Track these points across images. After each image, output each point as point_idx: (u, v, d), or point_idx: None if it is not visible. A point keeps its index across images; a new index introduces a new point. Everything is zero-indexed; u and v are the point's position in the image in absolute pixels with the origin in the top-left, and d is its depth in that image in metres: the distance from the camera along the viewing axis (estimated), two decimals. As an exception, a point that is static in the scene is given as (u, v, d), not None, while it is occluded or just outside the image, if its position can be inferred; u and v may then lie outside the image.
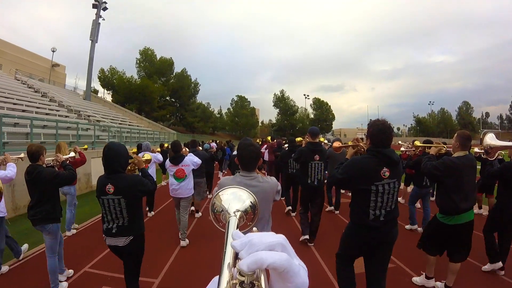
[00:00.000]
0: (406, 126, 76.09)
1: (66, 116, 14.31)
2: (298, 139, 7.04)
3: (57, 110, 14.78)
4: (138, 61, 45.90)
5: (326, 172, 4.87)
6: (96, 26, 25.17)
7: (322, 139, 4.60)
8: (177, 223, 4.53)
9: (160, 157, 5.75)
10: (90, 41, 25.32)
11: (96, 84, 42.41)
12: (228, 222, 0.51)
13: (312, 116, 61.99)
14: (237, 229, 0.47)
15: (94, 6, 25.01)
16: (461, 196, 2.69)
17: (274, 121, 64.01)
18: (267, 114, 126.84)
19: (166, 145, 8.76)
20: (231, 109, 59.15)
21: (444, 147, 3.42)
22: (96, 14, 25.10)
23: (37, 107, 13.29)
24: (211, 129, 55.51)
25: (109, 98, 39.69)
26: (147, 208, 5.98)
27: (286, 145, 7.48)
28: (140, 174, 2.71)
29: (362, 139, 3.14)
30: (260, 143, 11.81)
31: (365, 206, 2.21)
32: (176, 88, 47.40)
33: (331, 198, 6.29)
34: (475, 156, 4.45)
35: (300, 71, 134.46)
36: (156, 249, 4.02)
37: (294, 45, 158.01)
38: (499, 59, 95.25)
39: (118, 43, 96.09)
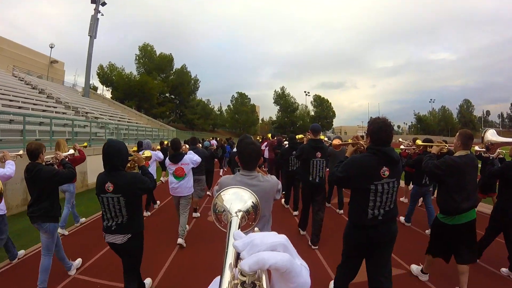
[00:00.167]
0: (406, 124, 76.00)
1: (63, 113, 14.18)
2: (300, 136, 6.99)
3: (54, 107, 14.63)
4: (137, 57, 45.67)
5: (327, 169, 4.82)
6: (94, 21, 24.94)
7: (322, 137, 4.55)
8: (178, 221, 4.45)
9: (160, 155, 5.69)
10: (89, 36, 25.13)
11: (95, 81, 42.31)
12: (230, 222, 0.51)
13: (312, 113, 61.75)
14: (239, 229, 0.47)
15: (92, 1, 24.79)
16: (463, 195, 2.66)
17: (274, 118, 63.75)
18: (268, 111, 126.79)
19: (166, 142, 8.67)
20: (231, 106, 58.90)
21: (446, 146, 3.38)
22: (94, 9, 24.87)
23: (34, 104, 13.14)
24: (211, 126, 55.35)
25: (108, 95, 39.57)
26: (152, 202, 6.03)
27: (286, 142, 7.43)
28: (140, 171, 2.69)
29: (362, 136, 3.10)
30: (260, 140, 11.69)
31: (364, 205, 2.19)
32: (176, 84, 47.15)
33: (330, 196, 6.24)
34: (476, 154, 4.39)
35: (301, 67, 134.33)
36: (155, 248, 3.94)
37: (295, 41, 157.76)
38: (500, 57, 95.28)
39: (117, 39, 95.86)
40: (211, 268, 3.38)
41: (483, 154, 4.60)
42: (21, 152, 3.60)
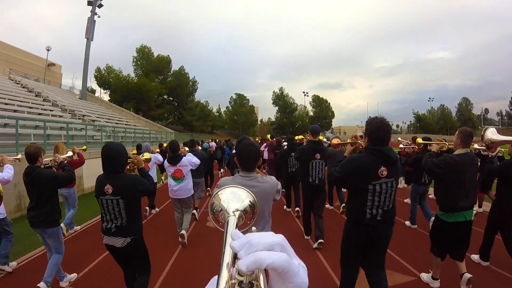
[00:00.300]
0: (405, 123, 76.04)
1: (60, 116, 14.06)
2: (300, 137, 6.97)
3: (51, 110, 14.50)
4: (135, 59, 45.50)
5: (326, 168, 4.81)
6: (91, 23, 24.84)
7: (321, 137, 4.50)
8: (176, 223, 4.40)
9: (160, 157, 5.68)
10: (86, 39, 25.02)
11: (93, 84, 42.22)
12: (227, 221, 0.51)
13: (311, 113, 61.70)
14: (236, 228, 0.47)
15: (89, 3, 24.69)
16: (462, 194, 2.67)
17: (273, 119, 63.73)
18: (267, 112, 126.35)
19: (165, 145, 8.64)
20: (230, 108, 58.82)
21: (446, 144, 3.38)
22: (91, 11, 24.77)
23: (30, 107, 13.03)
24: (209, 128, 55.21)
25: (106, 97, 39.44)
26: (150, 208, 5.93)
27: (285, 143, 7.39)
28: (139, 174, 2.69)
29: (361, 136, 3.11)
30: (260, 141, 11.66)
31: (362, 205, 2.19)
32: (174, 86, 46.97)
33: (332, 197, 6.19)
34: (475, 152, 4.36)
35: (299, 68, 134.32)
36: (155, 250, 3.85)
37: (293, 42, 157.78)
38: (498, 55, 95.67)
39: (115, 42, 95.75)
40: (210, 267, 3.34)
41: (482, 152, 4.57)
42: (19, 156, 3.58)
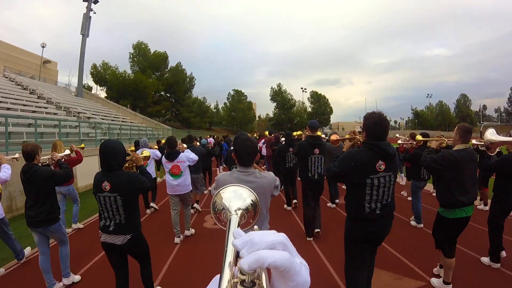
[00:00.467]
0: (403, 119, 76.05)
1: (54, 114, 13.88)
2: (298, 132, 6.95)
3: (45, 108, 14.31)
4: (131, 56, 44.90)
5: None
6: (87, 20, 24.52)
7: (319, 133, 4.53)
8: (172, 223, 4.35)
9: (158, 153, 5.68)
10: (81, 35, 24.69)
11: (90, 81, 41.78)
12: (229, 220, 0.50)
13: (309, 109, 61.42)
14: (238, 227, 0.46)
15: (84, -1, 24.35)
16: (462, 189, 2.66)
17: (271, 115, 63.46)
18: (265, 108, 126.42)
19: (163, 141, 8.57)
20: (228, 104, 58.47)
21: (445, 141, 3.35)
22: (87, 7, 24.43)
23: (23, 105, 12.83)
24: (207, 124, 54.94)
25: (103, 94, 39.08)
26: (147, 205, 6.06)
27: (283, 139, 7.35)
28: (138, 171, 2.69)
29: (359, 132, 3.03)
30: (258, 137, 11.57)
31: (361, 199, 2.20)
32: (171, 83, 46.47)
33: (333, 195, 6.16)
34: (473, 148, 4.29)
35: (297, 65, 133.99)
36: (154, 247, 3.80)
37: (290, 39, 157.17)
38: (495, 52, 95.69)
39: (112, 39, 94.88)
40: (211, 266, 3.36)
41: (480, 147, 4.52)
42: (16, 155, 3.58)
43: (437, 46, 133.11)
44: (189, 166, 4.43)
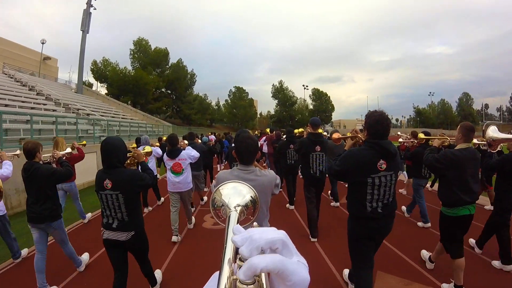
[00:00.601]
0: (405, 117, 75.67)
1: (53, 110, 13.81)
2: (300, 130, 6.93)
3: (44, 104, 14.21)
4: (132, 52, 44.70)
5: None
6: (87, 16, 24.36)
7: (320, 131, 4.47)
8: (171, 221, 4.30)
9: (159, 151, 5.64)
10: (81, 31, 24.56)
11: (90, 78, 41.71)
12: (229, 217, 0.51)
13: (311, 107, 61.11)
14: (237, 223, 0.47)
15: (84, -6, 24.18)
16: (464, 188, 2.65)
17: (273, 112, 63.25)
18: (266, 106, 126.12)
19: (164, 138, 8.54)
20: (229, 101, 58.29)
21: (448, 139, 3.35)
22: (87, 3, 24.27)
23: (22, 101, 12.75)
24: (208, 121, 54.84)
25: (104, 91, 38.99)
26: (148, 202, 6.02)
27: (284, 137, 7.39)
28: (139, 168, 2.70)
29: (361, 130, 3.10)
30: (259, 135, 11.50)
31: (362, 198, 2.20)
32: (172, 79, 46.29)
33: (337, 194, 6.03)
34: (474, 147, 4.21)
35: (298, 62, 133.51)
36: (154, 245, 3.76)
37: (292, 36, 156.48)
38: (497, 51, 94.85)
39: (112, 35, 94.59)
40: (211, 263, 3.36)
41: (481, 146, 4.43)
42: (18, 152, 3.58)
43: (438, 44, 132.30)
44: (190, 163, 4.42)
